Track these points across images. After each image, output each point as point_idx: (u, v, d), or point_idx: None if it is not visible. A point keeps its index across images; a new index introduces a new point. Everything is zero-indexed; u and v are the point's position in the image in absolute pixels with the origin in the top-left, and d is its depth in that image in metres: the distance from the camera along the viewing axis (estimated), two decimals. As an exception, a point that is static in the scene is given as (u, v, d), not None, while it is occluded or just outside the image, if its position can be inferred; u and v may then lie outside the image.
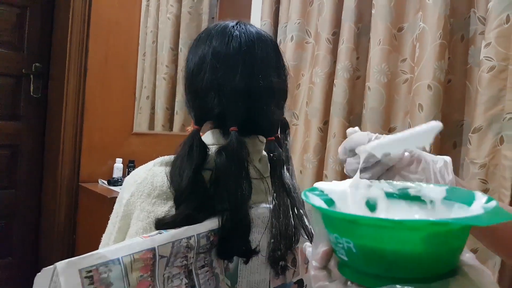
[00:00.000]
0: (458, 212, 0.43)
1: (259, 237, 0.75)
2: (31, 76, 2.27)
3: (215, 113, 0.77)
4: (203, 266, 0.69)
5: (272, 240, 0.75)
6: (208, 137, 0.81)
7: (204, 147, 0.75)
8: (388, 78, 1.63)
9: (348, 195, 0.47)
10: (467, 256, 0.40)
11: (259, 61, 0.79)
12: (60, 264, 0.51)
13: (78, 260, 0.52)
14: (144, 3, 2.46)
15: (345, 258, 0.40)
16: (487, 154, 1.34)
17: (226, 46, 0.78)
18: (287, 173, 0.80)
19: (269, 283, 0.77)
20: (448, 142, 1.54)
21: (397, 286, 0.36)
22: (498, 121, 1.32)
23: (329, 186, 0.48)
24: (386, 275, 0.37)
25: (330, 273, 0.43)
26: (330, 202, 0.46)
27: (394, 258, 0.37)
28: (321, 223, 0.43)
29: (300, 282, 0.83)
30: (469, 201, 0.43)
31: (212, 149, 0.77)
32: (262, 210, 0.77)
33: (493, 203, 0.40)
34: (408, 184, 0.49)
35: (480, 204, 0.41)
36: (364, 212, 0.46)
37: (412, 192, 0.48)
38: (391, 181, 0.51)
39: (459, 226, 0.37)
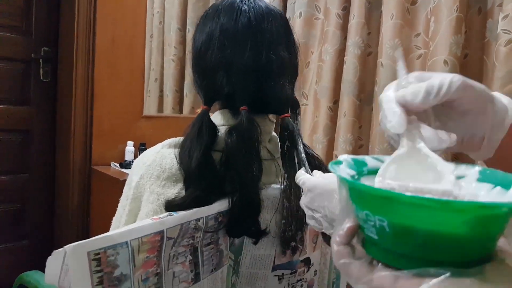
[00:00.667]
0: (497, 196, 0.40)
1: (269, 218, 0.74)
2: (40, 61, 2.27)
3: (225, 92, 0.75)
4: (208, 244, 0.69)
5: (283, 221, 0.74)
6: (217, 118, 0.79)
7: (213, 127, 0.74)
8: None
9: (395, 161, 0.42)
10: (501, 241, 0.37)
11: (269, 36, 0.76)
12: (69, 247, 0.51)
13: (86, 243, 0.53)
14: (150, -17, 2.42)
15: (375, 237, 0.37)
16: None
17: (235, 22, 0.75)
18: (302, 151, 0.78)
19: (274, 259, 0.77)
20: (464, 119, 1.50)
21: (431, 269, 0.34)
22: (516, 96, 1.27)
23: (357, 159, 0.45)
24: (418, 256, 0.35)
25: (354, 250, 0.40)
26: (357, 176, 0.44)
27: (431, 239, 0.34)
28: (347, 197, 0.40)
29: (307, 261, 0.82)
30: (507, 184, 0.40)
31: (222, 130, 0.75)
32: (272, 191, 0.76)
33: None
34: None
35: None
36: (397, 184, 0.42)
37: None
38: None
39: (506, 211, 0.35)
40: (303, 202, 0.62)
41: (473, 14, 1.46)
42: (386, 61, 1.60)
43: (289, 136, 0.77)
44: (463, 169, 0.44)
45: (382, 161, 0.45)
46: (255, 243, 0.73)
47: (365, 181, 0.44)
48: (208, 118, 0.74)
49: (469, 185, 0.42)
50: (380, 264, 0.38)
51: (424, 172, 0.40)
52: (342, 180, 0.39)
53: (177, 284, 0.65)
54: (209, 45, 0.76)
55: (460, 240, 0.34)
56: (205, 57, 0.76)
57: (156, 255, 0.60)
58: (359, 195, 0.38)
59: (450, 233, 0.34)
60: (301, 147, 0.78)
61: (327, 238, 0.72)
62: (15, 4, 2.19)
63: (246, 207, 0.70)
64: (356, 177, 0.44)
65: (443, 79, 0.43)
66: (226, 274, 0.73)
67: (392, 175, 0.40)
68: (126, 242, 0.56)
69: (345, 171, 0.43)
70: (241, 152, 0.71)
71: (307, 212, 0.62)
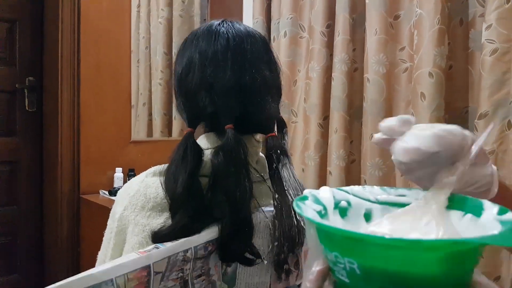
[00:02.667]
0: (469, 224, 0.39)
1: (261, 242, 0.72)
2: (25, 91, 2.26)
3: (208, 112, 0.74)
4: (199, 276, 0.67)
5: (276, 243, 0.72)
6: (203, 141, 0.78)
7: (198, 150, 0.72)
8: (387, 68, 1.59)
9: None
10: (474, 271, 0.36)
11: (249, 55, 0.76)
12: None
13: (68, 283, 0.51)
14: (134, 9, 2.44)
15: (346, 280, 0.36)
16: (495, 140, 1.29)
17: (213, 44, 0.75)
18: (291, 170, 0.76)
19: (270, 286, 0.74)
20: (453, 130, 1.49)
21: None
22: (505, 105, 1.27)
23: (323, 194, 0.44)
24: None
25: None
26: (324, 212, 0.42)
27: (404, 281, 0.33)
28: (316, 238, 0.38)
29: None
30: (477, 211, 0.39)
31: (207, 153, 0.73)
32: (260, 214, 0.73)
33: (510, 216, 0.36)
34: (402, 190, 0.45)
35: (492, 216, 0.37)
36: (361, 223, 0.41)
37: (407, 200, 0.44)
38: (384, 187, 0.47)
39: (480, 245, 0.34)
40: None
41: (455, 25, 1.47)
42: (373, 76, 1.60)
43: (276, 155, 0.76)
44: (430, 195, 0.43)
45: (347, 192, 0.45)
46: (250, 266, 0.71)
47: (334, 217, 0.42)
48: (193, 140, 0.73)
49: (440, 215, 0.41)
50: None
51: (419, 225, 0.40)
52: (308, 220, 0.38)
53: None
54: (189, 68, 0.76)
55: (435, 278, 0.33)
56: (186, 80, 0.76)
57: None
58: (327, 236, 0.37)
59: (424, 272, 0.32)
60: (290, 167, 0.76)
61: None
62: (-1, 35, 2.18)
63: (238, 231, 0.68)
64: (323, 212, 0.42)
65: None
66: None
67: (388, 225, 0.40)
68: (112, 280, 0.54)
69: (312, 206, 0.42)
70: (229, 171, 0.69)
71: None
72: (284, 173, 0.75)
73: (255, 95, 0.75)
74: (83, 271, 0.55)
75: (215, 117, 0.74)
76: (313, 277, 0.39)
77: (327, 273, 0.38)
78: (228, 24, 0.78)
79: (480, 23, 1.37)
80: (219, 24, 0.78)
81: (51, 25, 2.23)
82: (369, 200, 0.45)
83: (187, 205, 0.67)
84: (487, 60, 1.28)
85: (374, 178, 1.60)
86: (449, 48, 1.45)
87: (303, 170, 1.84)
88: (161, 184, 0.70)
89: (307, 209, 0.40)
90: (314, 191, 0.44)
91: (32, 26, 2.29)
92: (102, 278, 0.53)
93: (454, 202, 0.41)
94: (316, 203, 0.42)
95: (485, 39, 1.28)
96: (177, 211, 0.68)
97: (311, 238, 0.40)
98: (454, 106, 1.48)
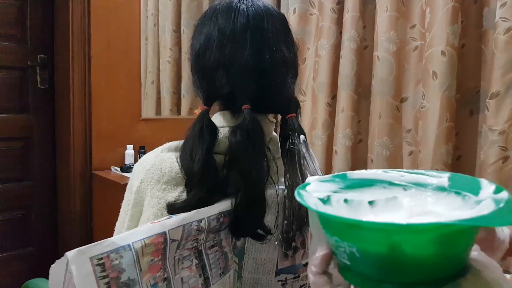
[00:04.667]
0: (465, 204, 0.40)
1: (270, 219, 0.74)
2: (37, 68, 2.27)
3: (225, 91, 0.74)
4: (212, 246, 0.68)
5: (286, 222, 0.73)
6: (217, 119, 0.78)
7: (214, 128, 0.73)
8: (397, 46, 1.58)
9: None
10: (474, 253, 0.37)
11: (269, 35, 0.75)
12: (70, 254, 0.50)
13: (88, 248, 0.52)
14: (143, -15, 2.41)
15: (348, 262, 0.37)
16: (506, 120, 1.29)
17: (233, 22, 0.74)
18: (311, 153, 0.77)
19: (277, 263, 0.76)
20: (464, 110, 1.49)
21: None
22: (516, 85, 1.26)
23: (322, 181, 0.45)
24: (392, 279, 0.35)
25: (331, 278, 0.40)
26: (326, 199, 0.43)
27: (400, 262, 0.34)
28: (318, 224, 0.40)
29: None
30: (474, 190, 0.40)
31: (222, 131, 0.74)
32: (271, 191, 0.75)
33: (504, 195, 0.37)
34: (402, 172, 0.46)
35: (488, 194, 0.38)
36: (363, 208, 0.42)
37: (409, 179, 0.45)
38: (387, 169, 0.48)
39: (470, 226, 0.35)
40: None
41: (469, 3, 1.45)
42: (382, 54, 1.59)
43: (297, 135, 0.76)
44: (435, 174, 0.44)
45: (344, 178, 0.46)
46: (260, 242, 0.72)
47: (336, 202, 0.43)
48: (208, 118, 0.73)
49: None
50: None
51: None
52: (308, 208, 0.39)
53: None
54: (207, 45, 0.75)
55: (429, 259, 0.34)
56: (204, 57, 0.75)
57: (161, 258, 0.59)
58: (326, 222, 0.39)
59: (418, 253, 0.34)
60: (310, 149, 0.77)
61: None
62: (10, 13, 2.18)
63: (251, 206, 0.69)
64: (326, 197, 0.43)
65: None
66: (233, 280, 0.73)
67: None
68: (129, 245, 0.55)
69: (315, 192, 0.43)
70: (247, 150, 0.70)
71: None
72: (298, 153, 0.75)
73: (274, 75, 0.75)
74: None
75: (232, 96, 0.74)
76: (318, 261, 0.40)
77: (331, 256, 0.40)
78: (248, 1, 0.77)
79: (494, 1, 1.34)
80: (239, 0, 0.77)
81: (62, 2, 2.22)
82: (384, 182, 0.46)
83: (203, 181, 0.69)
84: (500, 38, 1.26)
85: (381, 158, 1.61)
86: (462, 26, 1.43)
87: (311, 149, 1.85)
88: (177, 160, 0.71)
89: (308, 197, 0.42)
90: (316, 178, 0.45)
91: (43, 4, 2.28)
92: (120, 243, 0.54)
93: (455, 182, 0.42)
94: (322, 182, 0.44)
95: (499, 17, 1.26)
96: (193, 187, 0.69)
97: (313, 224, 0.42)
98: (466, 85, 1.47)
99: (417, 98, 1.54)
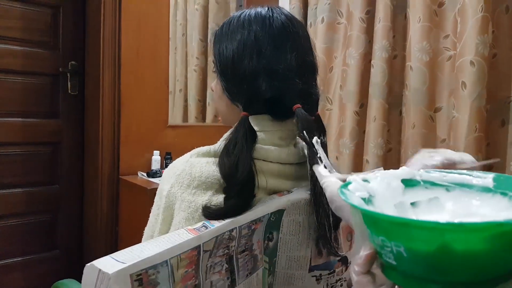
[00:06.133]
0: None
1: (301, 218, 0.74)
2: (68, 74, 2.32)
3: (268, 96, 0.75)
4: (243, 251, 0.70)
5: (319, 220, 0.74)
6: (252, 123, 0.78)
7: (255, 134, 0.74)
8: (430, 56, 1.57)
9: (388, 190, 0.43)
10: None
11: (302, 39, 0.79)
12: (112, 273, 0.52)
13: (130, 267, 0.54)
14: (172, -5, 2.46)
15: (393, 262, 0.37)
16: (539, 131, 1.26)
17: (269, 29, 0.77)
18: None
19: (310, 260, 0.77)
20: (496, 120, 1.46)
21: None
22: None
23: (366, 180, 0.45)
24: (439, 279, 0.35)
25: (374, 278, 0.40)
26: (368, 198, 0.43)
27: (450, 261, 0.34)
28: (361, 223, 0.39)
29: (344, 260, 0.82)
30: None
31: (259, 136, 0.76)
32: (302, 195, 0.75)
33: None
34: (444, 173, 0.46)
35: None
36: (406, 209, 0.42)
37: (452, 180, 0.45)
38: (429, 170, 0.47)
39: None
40: (332, 208, 0.62)
41: (500, 12, 1.43)
42: (415, 64, 1.58)
43: (308, 129, 0.76)
44: (479, 175, 0.43)
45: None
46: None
47: (378, 201, 0.43)
48: (249, 124, 0.74)
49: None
50: None
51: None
52: (353, 207, 0.39)
53: None
54: (244, 52, 0.76)
55: (481, 259, 0.33)
56: (241, 64, 0.76)
57: (194, 268, 0.61)
58: (372, 221, 0.38)
59: (467, 253, 0.33)
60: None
61: None
62: (43, 20, 2.26)
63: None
64: (367, 197, 0.43)
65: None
66: (262, 276, 0.74)
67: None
68: (166, 261, 0.57)
69: (357, 192, 0.43)
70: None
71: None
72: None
73: (309, 78, 0.78)
74: (121, 248, 0.57)
75: (274, 100, 0.75)
76: (361, 261, 0.40)
77: (375, 256, 0.40)
78: (277, 10, 0.80)
79: (527, 10, 1.32)
80: (267, 9, 0.80)
81: (93, 10, 2.28)
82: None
83: (245, 189, 0.70)
84: (533, 48, 1.24)
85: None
86: (493, 36, 1.41)
87: (337, 158, 1.84)
88: (220, 166, 0.72)
89: (351, 196, 0.41)
90: (360, 176, 0.45)
91: (75, 12, 2.35)
92: (158, 260, 0.56)
93: (500, 182, 0.42)
94: (361, 188, 0.44)
95: (533, 27, 1.24)
96: (235, 195, 0.70)
97: (356, 224, 0.41)
98: (497, 95, 1.45)
99: (450, 108, 1.53)
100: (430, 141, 1.59)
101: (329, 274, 0.79)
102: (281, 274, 0.76)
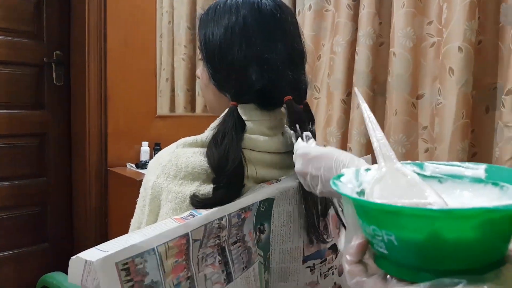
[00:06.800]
0: (506, 193, 0.40)
1: (291, 208, 0.74)
2: (53, 65, 2.29)
3: (258, 86, 0.73)
4: (235, 242, 0.69)
5: (307, 210, 0.75)
6: (241, 113, 0.77)
7: (243, 125, 0.73)
8: (414, 42, 1.57)
9: (378, 180, 0.43)
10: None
11: (292, 25, 0.77)
12: (97, 261, 0.51)
13: (114, 254, 0.52)
14: (157, -17, 2.42)
15: (385, 252, 0.37)
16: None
17: (258, 14, 0.74)
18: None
19: (303, 250, 0.77)
20: (480, 107, 1.48)
21: (446, 280, 0.33)
22: (535, 81, 1.25)
23: (356, 171, 0.45)
24: (431, 267, 0.35)
25: (366, 267, 0.40)
26: (360, 190, 0.43)
27: (441, 249, 0.34)
28: (353, 213, 0.40)
29: (334, 247, 0.83)
30: None
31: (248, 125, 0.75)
32: (290, 183, 0.75)
33: None
34: (437, 164, 0.46)
35: None
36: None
37: (444, 171, 0.45)
38: (422, 162, 0.48)
39: None
40: (296, 168, 0.65)
41: (487, -1, 1.44)
42: (399, 51, 1.58)
43: (300, 120, 0.76)
44: (471, 166, 0.44)
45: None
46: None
47: (370, 193, 0.43)
48: (238, 115, 0.73)
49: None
50: (393, 279, 0.37)
51: (406, 189, 0.41)
52: (345, 197, 0.39)
53: (211, 286, 0.64)
54: (231, 39, 0.74)
55: (471, 246, 0.34)
56: (230, 52, 0.74)
57: (185, 258, 0.60)
58: (364, 210, 0.38)
59: (458, 241, 0.33)
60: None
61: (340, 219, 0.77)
62: (27, 10, 2.21)
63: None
64: (359, 188, 0.43)
65: None
66: (258, 272, 0.73)
67: (378, 194, 0.41)
68: (153, 249, 0.56)
69: (349, 184, 0.43)
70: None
71: (300, 178, 0.65)
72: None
73: (298, 66, 0.77)
74: (111, 239, 0.56)
75: (264, 90, 0.74)
76: (353, 250, 0.40)
77: (366, 246, 0.40)
78: None
79: (513, -4, 1.33)
80: None
81: (78, -1, 2.25)
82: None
83: (235, 180, 0.70)
84: (518, 34, 1.25)
85: (397, 155, 1.60)
86: (479, 22, 1.42)
87: (324, 146, 1.85)
88: (208, 157, 0.71)
89: (343, 187, 0.42)
90: (352, 169, 0.46)
91: (60, 0, 2.30)
92: (144, 247, 0.55)
93: (492, 173, 0.42)
94: (355, 178, 0.44)
95: (518, 13, 1.25)
96: (224, 185, 0.69)
97: (348, 214, 0.42)
98: (482, 82, 1.46)
99: (434, 95, 1.54)
100: (412, 128, 1.60)
101: (321, 263, 0.80)
102: (276, 270, 0.76)
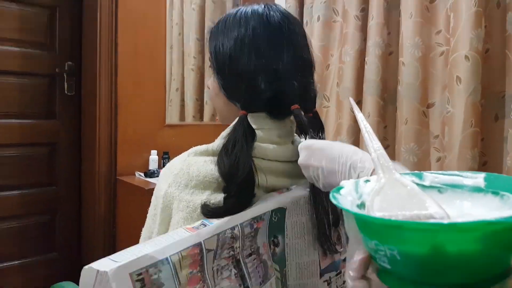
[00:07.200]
0: (507, 203, 0.39)
1: (304, 219, 0.74)
2: (65, 75, 2.32)
3: (267, 95, 0.74)
4: (250, 254, 0.68)
5: (319, 219, 0.74)
6: (251, 121, 0.77)
7: (253, 134, 0.73)
8: (423, 52, 1.58)
9: (378, 191, 0.42)
10: None
11: (299, 36, 0.79)
12: (110, 271, 0.50)
13: (127, 264, 0.52)
14: (168, -5, 2.46)
15: (388, 266, 0.36)
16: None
17: (267, 25, 0.76)
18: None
19: (319, 263, 0.76)
20: (490, 115, 1.48)
21: None
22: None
23: (356, 184, 0.44)
24: (434, 281, 0.35)
25: (370, 282, 0.40)
26: (360, 203, 0.43)
27: (444, 263, 0.33)
28: (355, 227, 0.39)
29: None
30: None
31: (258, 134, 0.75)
32: (301, 192, 0.75)
33: None
34: (436, 174, 0.45)
35: None
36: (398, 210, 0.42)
37: (443, 181, 0.44)
38: (420, 172, 0.47)
39: None
40: (299, 161, 0.67)
41: (492, 8, 1.44)
42: (408, 60, 1.59)
43: (306, 128, 0.77)
44: (470, 175, 0.43)
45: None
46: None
47: (370, 206, 0.42)
48: (248, 124, 0.73)
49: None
50: None
51: (406, 200, 0.41)
52: (346, 211, 0.38)
53: None
54: (241, 50, 0.75)
55: (474, 259, 0.33)
56: (240, 62, 0.75)
57: (199, 270, 0.59)
58: (365, 225, 0.38)
59: (461, 254, 0.33)
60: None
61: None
62: (40, 22, 2.25)
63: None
64: (359, 200, 0.43)
65: None
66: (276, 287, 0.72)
67: (378, 206, 0.40)
68: (166, 258, 0.55)
69: (349, 197, 0.42)
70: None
71: (304, 171, 0.67)
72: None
73: (306, 74, 0.78)
74: (119, 249, 0.56)
75: (273, 99, 0.75)
76: (356, 266, 0.40)
77: (369, 261, 0.39)
78: (273, 6, 0.79)
79: (519, 5, 1.34)
80: (264, 7, 0.78)
81: (90, 11, 2.28)
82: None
83: (246, 188, 0.70)
84: (525, 43, 1.25)
85: (408, 164, 1.60)
86: (486, 31, 1.42)
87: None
88: (219, 165, 0.71)
89: (343, 200, 0.41)
90: (352, 180, 0.45)
91: (71, 12, 2.34)
92: (157, 257, 0.55)
93: (491, 182, 0.42)
94: (355, 191, 0.43)
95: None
96: (235, 194, 0.69)
97: (350, 228, 0.41)
98: (491, 90, 1.46)
99: (444, 104, 1.54)
100: (423, 137, 1.60)
101: (336, 275, 0.79)
102: (293, 286, 0.74)
